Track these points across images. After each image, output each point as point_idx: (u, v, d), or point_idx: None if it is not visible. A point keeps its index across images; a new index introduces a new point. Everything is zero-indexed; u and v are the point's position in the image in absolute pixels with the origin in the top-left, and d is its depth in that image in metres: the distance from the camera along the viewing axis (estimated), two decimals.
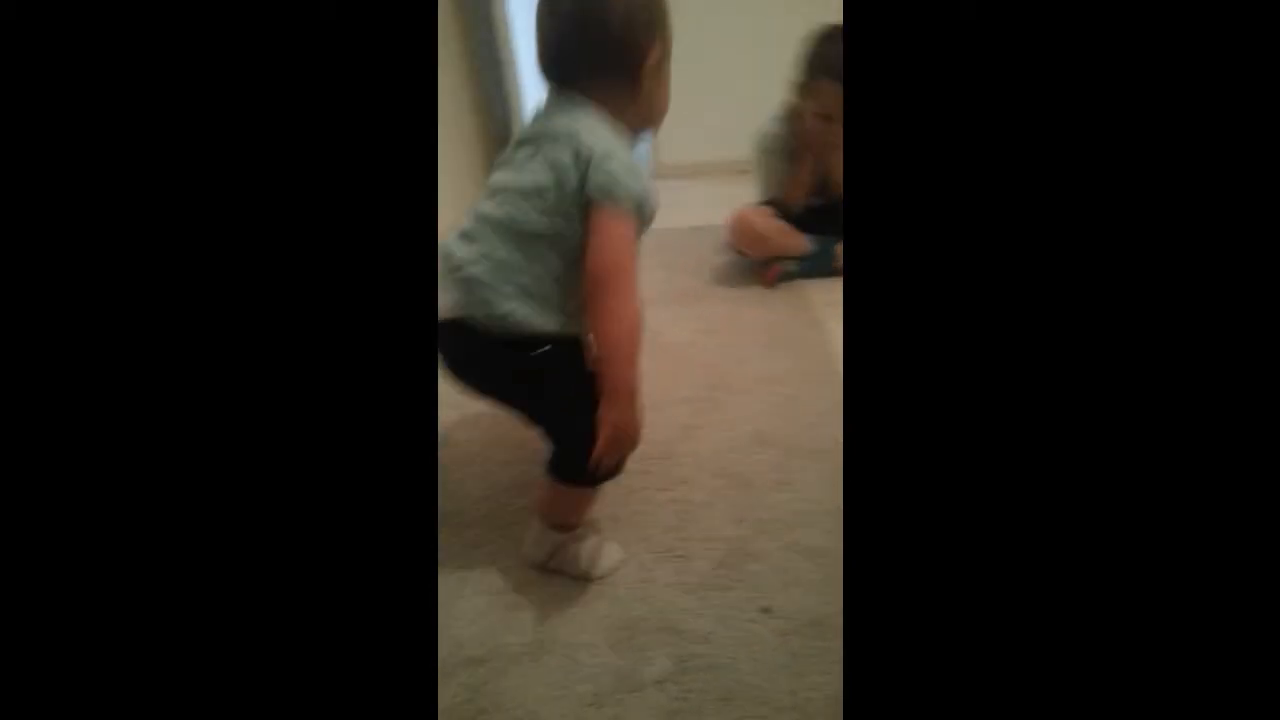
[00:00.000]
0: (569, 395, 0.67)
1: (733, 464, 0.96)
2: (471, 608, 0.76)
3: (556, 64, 0.69)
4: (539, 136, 0.68)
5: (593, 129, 0.66)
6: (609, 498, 0.91)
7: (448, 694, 0.66)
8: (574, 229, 0.65)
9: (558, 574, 0.78)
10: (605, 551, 0.78)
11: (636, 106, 0.70)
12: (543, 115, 0.70)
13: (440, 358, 0.72)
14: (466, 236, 0.70)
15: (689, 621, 0.72)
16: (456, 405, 1.20)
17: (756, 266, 1.65)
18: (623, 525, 0.86)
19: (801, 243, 1.59)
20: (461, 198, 2.42)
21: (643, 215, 0.68)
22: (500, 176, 0.70)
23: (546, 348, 0.68)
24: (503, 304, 0.66)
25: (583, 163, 0.64)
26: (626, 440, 0.65)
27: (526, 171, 0.67)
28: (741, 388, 1.16)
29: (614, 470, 0.69)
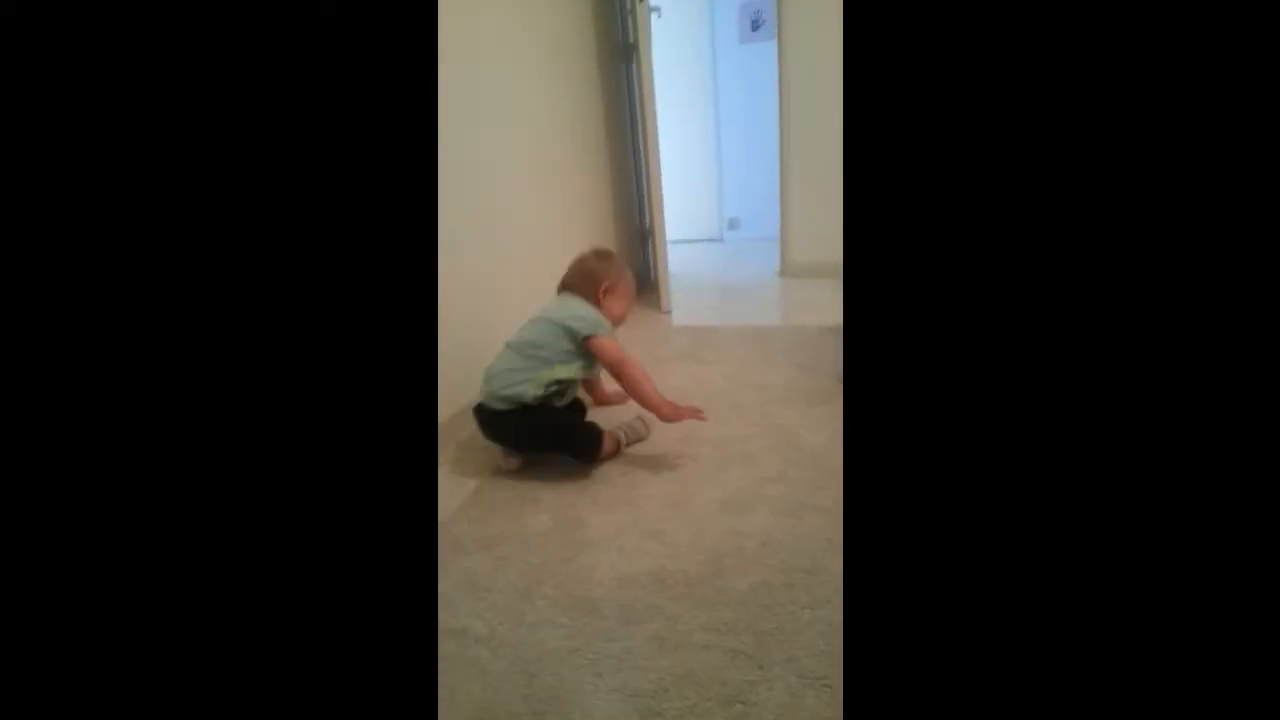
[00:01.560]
0: (539, 432, 1.31)
1: None
2: (606, 707, 0.74)
3: (569, 284, 1.43)
4: (546, 312, 1.37)
5: (574, 304, 1.36)
6: (751, 605, 0.87)
7: None
8: (559, 352, 1.32)
9: (660, 473, 1.28)
10: (626, 433, 1.38)
11: (603, 307, 1.38)
12: (551, 304, 1.41)
13: (499, 429, 1.33)
14: (500, 356, 1.36)
15: None
16: (585, 486, 1.22)
17: None
18: (764, 638, 0.81)
19: None
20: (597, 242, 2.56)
21: (611, 334, 1.35)
22: (525, 329, 1.37)
23: (519, 409, 1.29)
24: (506, 393, 1.29)
25: (571, 324, 1.31)
26: (674, 418, 1.27)
27: (537, 328, 1.35)
28: None
29: (591, 455, 1.31)
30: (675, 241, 3.32)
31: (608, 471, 1.28)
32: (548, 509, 1.16)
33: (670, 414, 1.25)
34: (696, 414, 1.27)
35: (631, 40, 2.50)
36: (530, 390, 1.28)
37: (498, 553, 1.04)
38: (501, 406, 1.28)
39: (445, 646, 0.84)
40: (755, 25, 3.83)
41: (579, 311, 1.33)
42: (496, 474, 1.32)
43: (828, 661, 0.77)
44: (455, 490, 1.26)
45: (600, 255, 1.47)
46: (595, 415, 1.48)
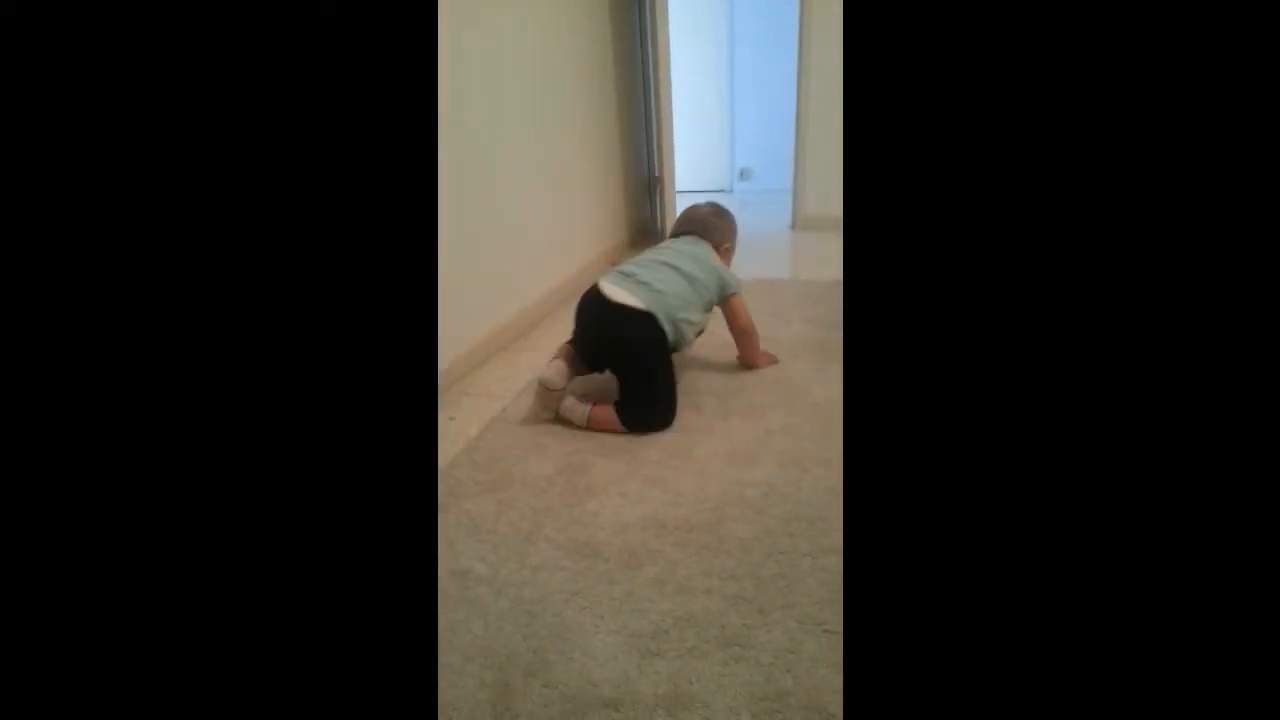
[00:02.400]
0: (659, 381, 1.23)
1: None
2: (606, 646, 0.74)
3: (685, 229, 1.49)
4: (688, 246, 1.40)
5: (713, 256, 1.40)
6: (753, 552, 0.87)
7: None
8: (711, 289, 1.34)
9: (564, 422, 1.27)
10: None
11: (720, 257, 1.44)
12: (685, 238, 1.45)
13: (599, 323, 1.24)
14: (658, 269, 1.30)
15: (839, 705, 0.65)
16: (593, 437, 1.21)
17: None
18: (765, 585, 0.81)
19: None
20: (609, 227, 2.51)
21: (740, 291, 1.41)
22: (669, 255, 1.35)
23: (670, 349, 1.24)
24: (681, 325, 1.25)
25: (727, 278, 1.38)
26: (761, 367, 1.46)
27: (699, 266, 1.34)
28: None
29: (652, 429, 1.23)
30: (683, 191, 3.24)
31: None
32: (551, 456, 1.16)
33: (762, 365, 1.47)
34: (773, 360, 1.49)
35: None
36: (688, 330, 1.26)
37: (500, 496, 1.04)
38: (667, 330, 1.20)
39: (446, 586, 0.85)
40: None
41: (724, 268, 1.37)
42: (496, 423, 1.31)
43: (829, 608, 0.77)
44: (456, 436, 1.26)
45: (720, 213, 1.50)
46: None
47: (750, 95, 3.94)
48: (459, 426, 1.30)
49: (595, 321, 1.24)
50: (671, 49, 2.35)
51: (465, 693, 0.69)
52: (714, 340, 1.62)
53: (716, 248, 1.42)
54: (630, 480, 1.06)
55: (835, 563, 0.85)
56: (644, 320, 1.20)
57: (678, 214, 1.69)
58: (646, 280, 1.24)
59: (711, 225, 1.46)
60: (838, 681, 0.68)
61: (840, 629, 0.74)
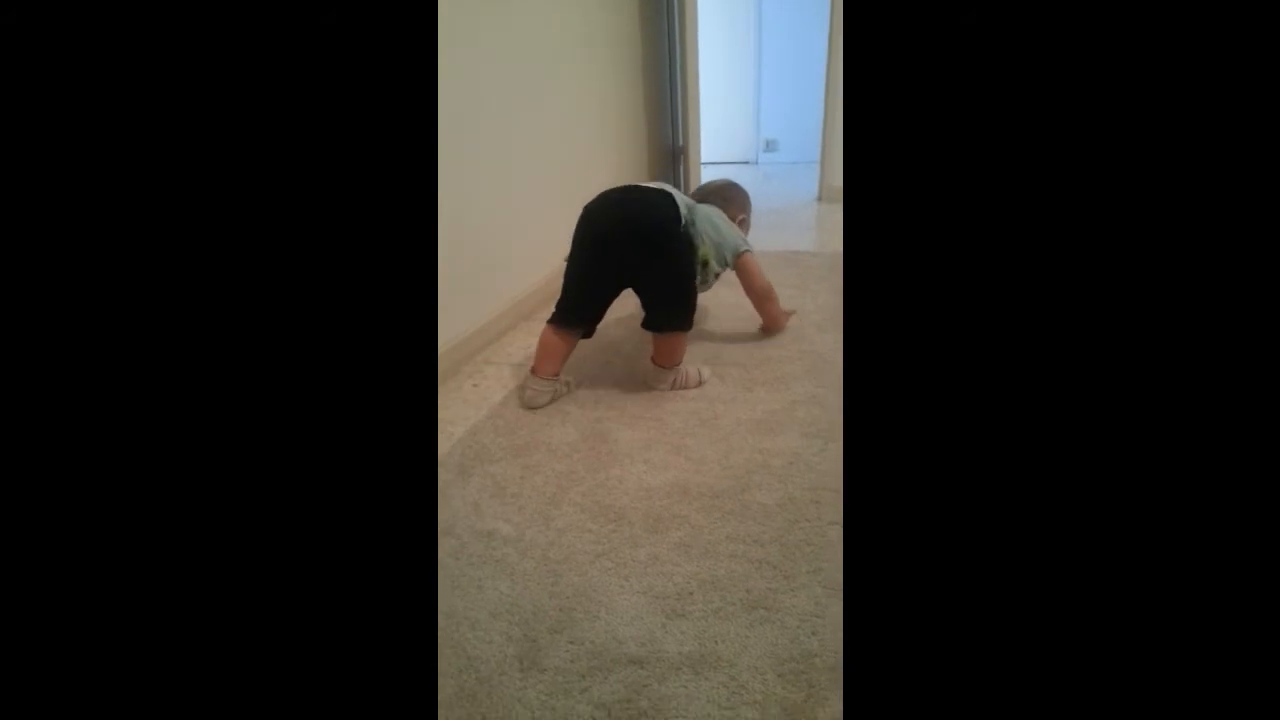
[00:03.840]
0: (677, 273, 1.21)
1: None
2: (631, 606, 0.75)
3: (703, 197, 1.51)
4: (704, 209, 1.37)
5: (727, 218, 1.43)
6: (778, 519, 0.87)
7: (606, 690, 0.65)
8: (726, 242, 1.37)
9: (687, 392, 1.25)
10: (703, 371, 1.29)
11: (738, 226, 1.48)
12: (703, 205, 1.40)
13: (609, 233, 1.18)
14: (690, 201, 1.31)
15: None
16: (613, 402, 1.21)
17: None
18: (790, 550, 0.81)
19: None
20: (632, 154, 2.49)
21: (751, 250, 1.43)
22: (702, 206, 1.38)
23: (683, 246, 1.21)
24: (691, 210, 1.27)
25: (733, 232, 1.40)
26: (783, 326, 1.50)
27: (721, 216, 1.41)
28: None
29: (690, 323, 1.24)
30: (708, 163, 3.19)
31: (635, 390, 1.27)
32: (574, 423, 1.16)
33: (784, 324, 1.50)
34: (791, 313, 1.53)
35: None
36: (715, 259, 1.30)
37: (525, 461, 1.05)
38: (684, 213, 1.19)
39: (473, 547, 0.86)
40: None
41: (738, 230, 1.42)
42: (519, 391, 1.32)
43: None
44: (480, 404, 1.27)
45: (733, 185, 1.57)
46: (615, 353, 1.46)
47: (777, 66, 3.85)
48: (483, 394, 1.31)
49: (601, 234, 1.18)
50: (699, 18, 2.30)
51: (493, 647, 0.71)
52: (739, 312, 1.60)
53: (732, 219, 1.45)
54: (654, 448, 1.07)
55: None
56: (660, 198, 1.19)
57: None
58: (701, 213, 1.31)
59: (727, 197, 1.51)
60: None
61: None
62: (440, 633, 0.73)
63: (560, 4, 1.78)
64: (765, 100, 3.94)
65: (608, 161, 2.22)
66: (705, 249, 1.28)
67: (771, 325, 1.48)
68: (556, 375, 1.24)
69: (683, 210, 1.19)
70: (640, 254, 1.16)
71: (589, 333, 1.27)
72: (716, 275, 1.33)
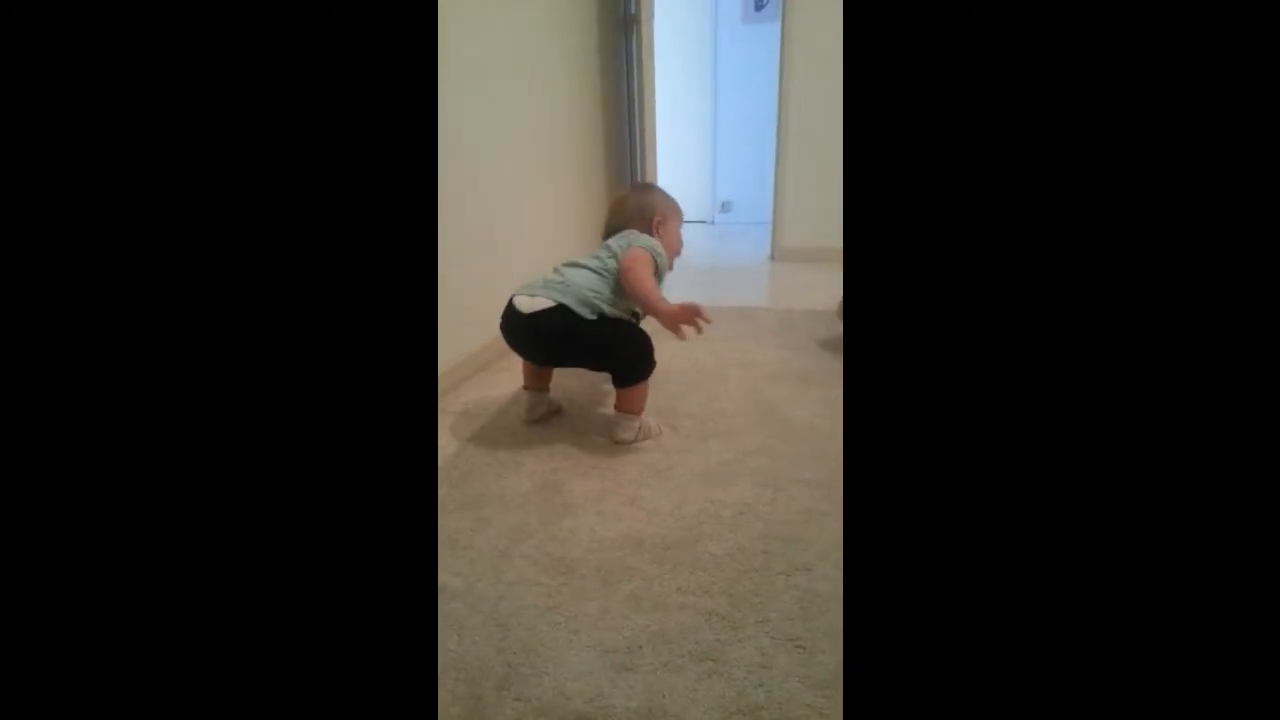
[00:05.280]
0: (611, 342, 1.23)
1: None
2: (580, 661, 0.74)
3: (617, 224, 1.40)
4: (600, 249, 1.33)
5: (636, 233, 1.33)
6: (727, 569, 0.88)
7: None
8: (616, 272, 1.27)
9: (642, 443, 1.27)
10: (656, 424, 1.30)
11: (658, 235, 1.36)
12: (608, 242, 1.34)
13: (526, 337, 1.24)
14: (562, 269, 1.29)
15: None
16: (568, 452, 1.22)
17: None
18: (739, 601, 0.82)
19: None
20: (590, 220, 2.55)
21: (657, 260, 1.29)
22: (583, 258, 1.31)
23: (600, 318, 1.22)
24: (591, 299, 1.22)
25: (626, 243, 1.30)
26: (680, 320, 1.15)
27: (594, 256, 1.31)
28: None
29: (649, 370, 1.25)
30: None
31: (589, 440, 1.28)
32: (528, 474, 1.16)
33: (671, 315, 1.13)
34: (697, 313, 1.11)
35: (633, 12, 2.46)
36: (601, 303, 1.23)
37: (477, 514, 1.04)
38: (583, 312, 1.20)
39: None
40: (759, 5, 3.79)
41: (642, 239, 1.30)
42: (475, 440, 1.31)
43: (801, 624, 0.78)
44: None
45: (642, 189, 1.44)
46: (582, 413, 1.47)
47: (732, 129, 4.06)
48: (439, 444, 1.30)
49: (521, 339, 1.26)
50: (656, 83, 2.43)
51: (438, 706, 0.68)
52: (692, 364, 1.64)
53: (650, 227, 1.35)
54: (608, 499, 1.07)
55: (808, 580, 0.86)
56: (554, 314, 1.20)
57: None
58: (550, 282, 1.26)
59: (637, 214, 1.36)
60: (810, 696, 0.69)
61: (812, 645, 0.75)
62: None
63: (522, 71, 1.87)
64: (721, 163, 4.14)
65: (569, 224, 2.29)
66: (610, 309, 1.24)
67: (646, 306, 1.19)
68: (547, 389, 1.36)
69: (579, 311, 1.19)
70: (562, 357, 1.29)
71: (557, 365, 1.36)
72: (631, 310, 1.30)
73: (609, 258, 1.28)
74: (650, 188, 1.45)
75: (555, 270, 1.30)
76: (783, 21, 2.63)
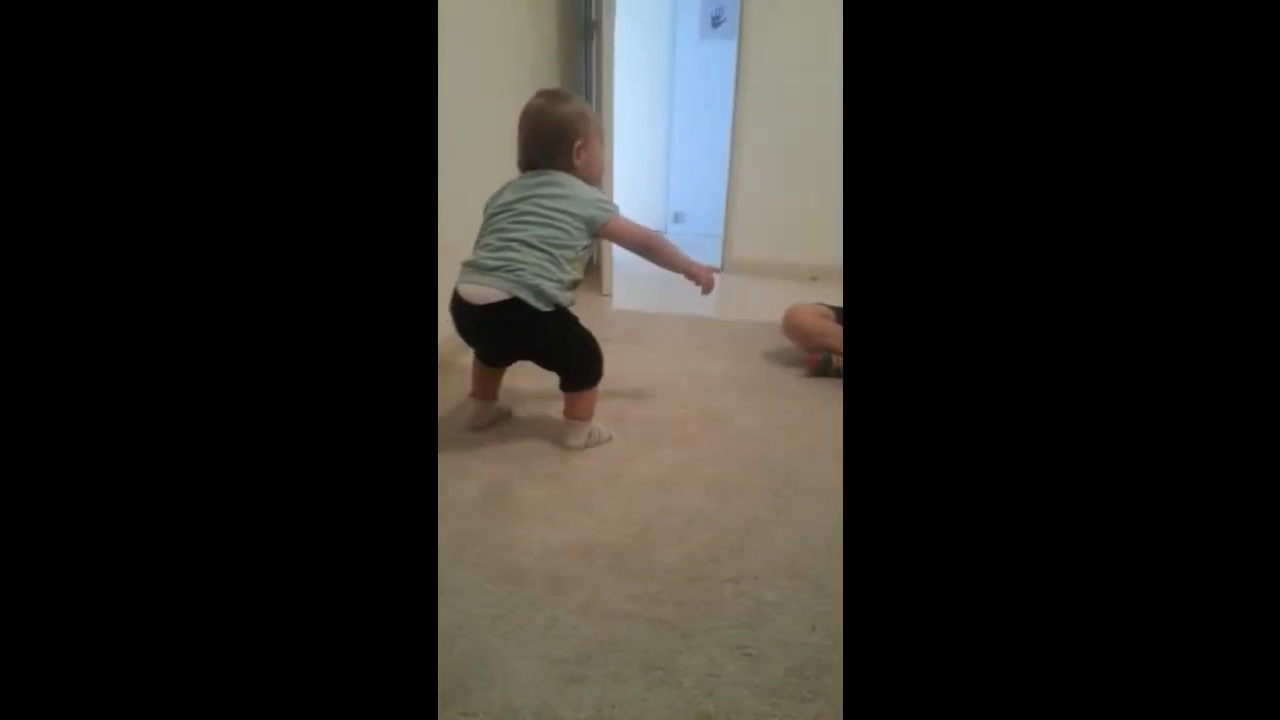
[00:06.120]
0: (567, 340, 1.20)
1: (806, 567, 0.92)
2: (528, 672, 0.73)
3: (530, 155, 1.23)
4: (530, 193, 1.19)
5: (568, 184, 1.18)
6: (677, 577, 0.88)
7: None
8: (575, 236, 1.18)
9: (592, 450, 1.25)
10: (605, 430, 1.28)
11: (580, 170, 1.21)
12: (527, 181, 1.20)
13: (478, 330, 1.20)
14: (504, 249, 1.16)
15: None
16: (516, 458, 1.20)
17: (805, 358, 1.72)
18: (688, 609, 0.83)
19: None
20: None
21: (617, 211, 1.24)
22: (514, 226, 1.17)
23: (555, 311, 1.16)
24: (544, 287, 1.13)
25: (593, 212, 1.19)
26: (706, 277, 1.30)
27: (552, 221, 1.16)
28: (813, 488, 1.14)
29: (600, 373, 1.25)
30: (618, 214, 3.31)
31: (538, 446, 1.27)
32: (476, 478, 1.14)
33: (703, 274, 1.29)
34: (713, 272, 1.32)
35: (594, 17, 2.47)
36: (556, 290, 1.14)
37: None
38: (538, 304, 1.12)
39: None
40: (716, 22, 3.87)
41: (583, 194, 1.17)
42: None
43: (750, 631, 0.79)
44: None
45: (556, 98, 1.21)
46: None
47: (687, 142, 4.12)
48: None
49: (471, 332, 1.21)
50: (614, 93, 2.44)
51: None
52: (643, 371, 1.65)
53: (574, 156, 1.19)
54: (557, 506, 1.06)
55: (755, 588, 0.87)
56: (508, 306, 1.12)
57: (613, 255, 1.64)
58: (497, 265, 1.14)
59: (557, 135, 1.18)
60: (757, 704, 0.70)
61: (759, 654, 0.77)
62: None
63: (481, 73, 1.84)
64: (675, 174, 4.18)
65: None
66: (566, 298, 1.18)
67: (687, 271, 1.28)
68: (495, 398, 1.33)
69: (534, 303, 1.12)
70: (513, 352, 1.28)
71: (510, 361, 1.33)
72: (575, 284, 1.22)
73: (563, 229, 1.15)
74: (564, 95, 1.23)
75: (501, 241, 1.16)
76: (739, 38, 2.69)
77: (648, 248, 1.25)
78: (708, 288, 1.29)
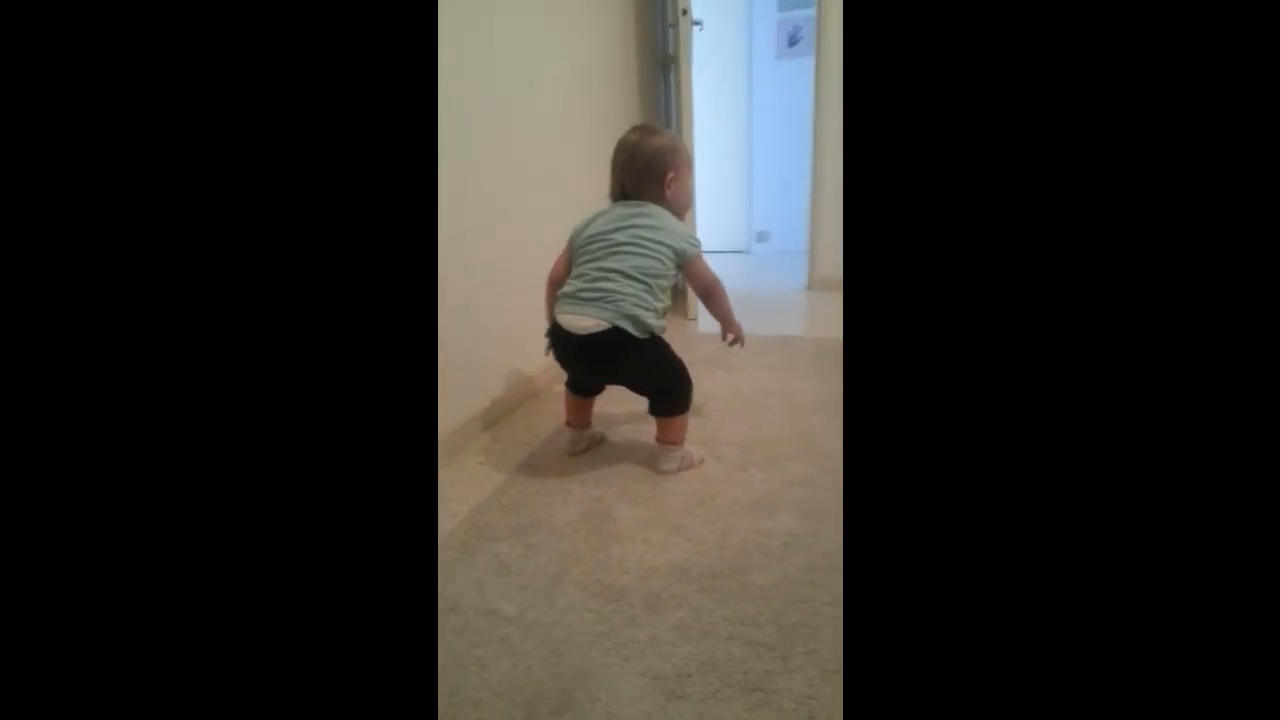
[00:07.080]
0: (662, 366, 1.26)
1: None
2: (631, 688, 0.76)
3: (623, 186, 1.29)
4: (626, 224, 1.24)
5: (661, 216, 1.25)
6: (774, 600, 0.89)
7: None
8: (667, 267, 1.24)
9: (685, 472, 1.30)
10: (698, 453, 1.33)
11: (670, 200, 1.28)
12: (622, 212, 1.26)
13: (579, 358, 1.25)
14: (602, 279, 1.22)
15: None
16: (613, 481, 1.25)
17: None
18: (788, 633, 0.83)
19: None
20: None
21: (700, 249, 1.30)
22: (609, 256, 1.23)
23: (650, 339, 1.23)
24: (641, 316, 1.20)
25: (684, 246, 1.25)
26: (742, 335, 1.39)
27: (645, 250, 1.23)
28: None
29: (690, 399, 1.29)
30: (703, 252, 3.36)
31: (633, 470, 1.31)
32: (576, 502, 1.20)
33: (739, 332, 1.39)
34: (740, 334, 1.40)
35: (671, 52, 2.55)
36: (651, 318, 1.20)
37: (528, 540, 1.08)
38: (636, 332, 1.18)
39: (477, 625, 0.88)
40: (793, 41, 3.87)
41: (676, 227, 1.24)
42: (524, 469, 1.36)
43: None
44: (485, 482, 1.30)
45: (649, 133, 1.26)
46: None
47: (767, 161, 4.12)
48: (488, 471, 1.34)
49: (573, 358, 1.26)
50: (694, 121, 2.51)
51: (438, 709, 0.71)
52: (732, 392, 1.66)
53: (665, 187, 1.25)
54: (654, 527, 1.10)
55: None
56: (608, 336, 1.19)
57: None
58: (596, 296, 1.20)
59: (650, 168, 1.23)
60: None
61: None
62: (442, 712, 0.74)
63: (567, 108, 1.95)
64: (756, 194, 4.19)
65: None
66: (659, 324, 1.24)
67: (726, 325, 1.37)
68: (588, 424, 1.40)
69: (633, 331, 1.18)
70: (610, 377, 1.32)
71: (600, 389, 1.39)
72: (666, 310, 1.27)
73: (656, 259, 1.21)
74: (656, 130, 1.27)
75: (598, 271, 1.22)
76: (816, 55, 2.69)
77: (711, 293, 1.33)
78: (738, 343, 1.41)
